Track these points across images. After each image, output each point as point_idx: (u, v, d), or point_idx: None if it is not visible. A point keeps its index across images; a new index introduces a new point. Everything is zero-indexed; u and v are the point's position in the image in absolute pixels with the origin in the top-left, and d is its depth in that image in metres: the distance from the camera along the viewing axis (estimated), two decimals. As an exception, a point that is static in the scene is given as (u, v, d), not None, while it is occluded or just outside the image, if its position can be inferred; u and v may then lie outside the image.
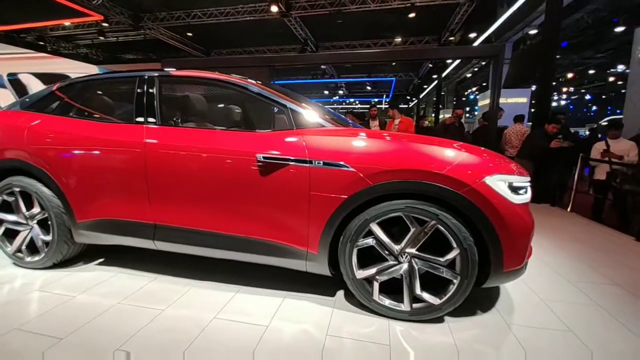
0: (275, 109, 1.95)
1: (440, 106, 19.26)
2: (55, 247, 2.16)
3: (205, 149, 1.85)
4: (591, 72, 19.91)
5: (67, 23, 10.59)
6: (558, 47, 4.60)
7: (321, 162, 1.67)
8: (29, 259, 2.23)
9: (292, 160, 1.70)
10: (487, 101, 13.01)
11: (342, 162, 1.64)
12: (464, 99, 27.95)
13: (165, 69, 2.16)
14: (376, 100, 23.22)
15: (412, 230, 1.64)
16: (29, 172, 2.15)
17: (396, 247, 1.67)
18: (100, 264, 2.36)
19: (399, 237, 1.69)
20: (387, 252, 1.70)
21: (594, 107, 31.88)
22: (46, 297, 1.89)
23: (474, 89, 24.80)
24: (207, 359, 1.41)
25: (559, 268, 2.43)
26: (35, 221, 2.21)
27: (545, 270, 2.38)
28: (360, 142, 1.73)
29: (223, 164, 1.81)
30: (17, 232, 2.25)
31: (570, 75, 19.96)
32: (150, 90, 2.06)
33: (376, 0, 9.19)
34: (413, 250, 1.66)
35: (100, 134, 2.02)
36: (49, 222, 2.14)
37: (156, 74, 2.09)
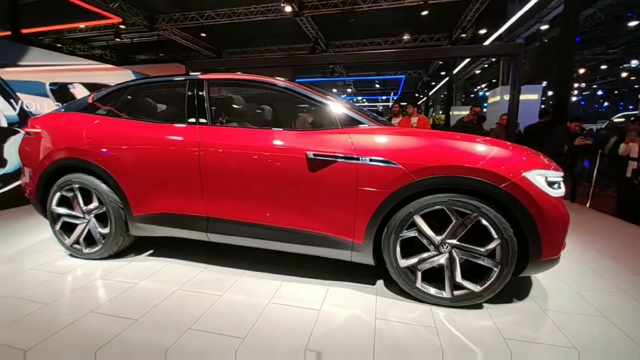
0: (316, 108, 2.09)
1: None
2: (112, 239, 2.33)
3: (256, 147, 1.99)
4: (603, 67, 19.69)
5: (83, 26, 10.86)
6: (575, 44, 4.63)
7: (368, 158, 1.80)
8: (87, 250, 2.40)
9: (341, 158, 1.83)
10: (497, 98, 13.03)
11: (388, 159, 1.77)
12: (472, 95, 27.80)
13: (210, 73, 2.30)
14: (395, 98, 23.19)
15: (454, 222, 1.76)
16: (88, 170, 2.31)
17: (437, 238, 1.80)
18: (150, 255, 2.53)
19: (438, 228, 1.81)
20: (428, 243, 1.82)
21: (606, 103, 31.42)
22: (110, 284, 2.06)
23: (483, 85, 24.65)
24: (271, 335, 1.56)
25: (585, 260, 2.53)
26: (92, 215, 2.38)
27: (572, 262, 2.48)
28: (405, 140, 1.85)
29: (273, 160, 1.95)
30: (74, 226, 2.43)
31: (582, 71, 19.73)
32: (200, 93, 2.21)
33: (388, -1, 9.25)
34: (454, 241, 1.78)
35: (156, 134, 2.18)
36: (107, 216, 2.31)
37: (206, 77, 2.24)
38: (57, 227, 2.45)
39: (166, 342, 1.50)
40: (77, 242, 2.43)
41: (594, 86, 26.98)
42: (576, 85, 24.78)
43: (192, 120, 2.17)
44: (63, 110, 2.61)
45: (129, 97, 2.43)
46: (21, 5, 7.70)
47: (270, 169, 1.96)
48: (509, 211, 1.68)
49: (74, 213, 2.41)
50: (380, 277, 2.15)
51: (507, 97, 12.84)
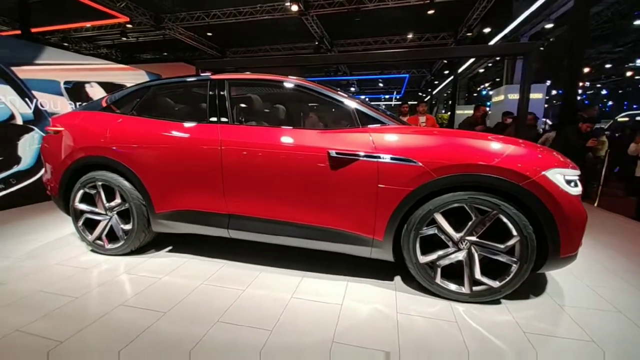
0: (336, 108, 2.13)
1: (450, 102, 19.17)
2: (135, 235, 2.38)
3: (278, 145, 2.03)
4: (608, 66, 19.59)
5: (89, 25, 10.93)
6: (587, 44, 4.64)
7: (389, 157, 1.84)
8: (109, 246, 2.46)
9: (363, 156, 1.87)
10: (502, 97, 13.01)
11: (409, 157, 1.81)
12: (475, 94, 27.75)
13: (231, 73, 2.35)
14: (398, 97, 23.19)
15: (473, 219, 1.80)
16: (111, 168, 2.37)
17: (457, 235, 1.84)
18: (169, 251, 2.58)
19: (457, 225, 1.85)
20: (447, 239, 1.86)
21: (610, 102, 31.24)
22: (135, 279, 2.12)
23: (486, 84, 24.59)
24: (297, 328, 1.60)
25: (598, 258, 2.56)
26: (115, 212, 2.43)
27: (585, 260, 2.51)
28: (425, 139, 1.90)
29: (295, 158, 1.99)
30: (96, 222, 2.48)
31: (586, 69, 19.64)
32: (222, 92, 2.26)
33: (394, -2, 9.25)
34: (473, 238, 1.82)
35: (179, 133, 2.23)
36: (130, 213, 2.36)
37: (227, 77, 2.28)
38: (80, 223, 2.51)
39: (197, 334, 1.55)
40: (99, 238, 2.48)
41: (598, 85, 26.84)
42: (580, 84, 24.64)
43: (214, 119, 2.22)
44: (84, 109, 2.66)
45: (151, 96, 2.47)
46: (30, 4, 7.78)
47: (292, 166, 2.00)
48: (528, 209, 1.72)
49: (96, 210, 2.47)
50: (398, 273, 2.20)
51: (511, 96, 12.84)
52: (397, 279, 2.15)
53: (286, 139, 2.04)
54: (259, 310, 1.76)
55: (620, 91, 28.11)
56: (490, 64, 17.87)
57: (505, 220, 1.73)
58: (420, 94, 26.28)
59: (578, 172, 1.83)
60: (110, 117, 2.44)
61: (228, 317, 1.69)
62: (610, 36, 13.99)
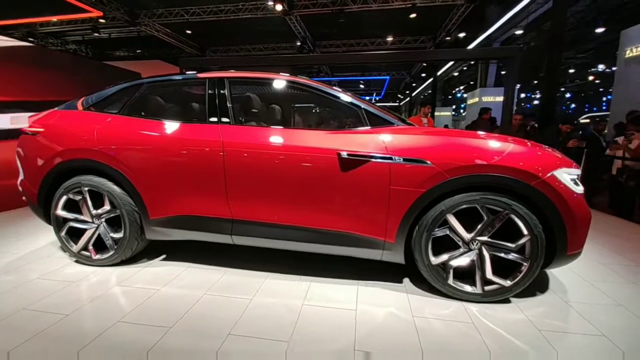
0: (342, 109, 2.09)
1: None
2: (127, 244, 2.21)
3: (284, 147, 1.96)
4: (571, 71, 20.90)
5: (55, 19, 10.24)
6: (564, 47, 4.89)
7: (401, 158, 1.82)
8: (97, 256, 2.27)
9: (374, 157, 1.84)
10: (476, 99, 13.50)
11: (422, 158, 1.79)
12: (450, 97, 28.73)
13: (230, 72, 2.25)
14: (377, 98, 23.48)
15: (485, 219, 1.81)
16: (99, 171, 2.19)
17: (468, 236, 1.84)
18: (164, 259, 2.43)
19: (467, 226, 1.86)
20: (459, 240, 1.86)
21: (573, 105, 33.33)
22: (131, 292, 1.96)
23: (461, 87, 25.53)
24: (315, 337, 1.54)
25: (590, 254, 2.66)
26: (103, 219, 2.25)
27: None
28: (437, 140, 1.89)
29: (304, 160, 1.92)
30: (81, 231, 2.29)
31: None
32: (222, 91, 2.15)
33: (378, 0, 9.36)
34: (484, 238, 1.83)
35: (175, 133, 2.09)
36: (121, 220, 2.19)
37: (227, 76, 2.18)
38: (63, 232, 2.30)
39: (210, 349, 1.45)
40: (85, 248, 2.29)
41: (562, 89, 28.57)
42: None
43: (214, 119, 2.11)
44: (66, 108, 2.44)
45: (143, 95, 2.31)
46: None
47: (301, 168, 1.93)
48: (537, 208, 1.75)
49: (82, 217, 2.28)
50: (405, 275, 2.18)
51: (485, 98, 13.31)
52: (406, 281, 2.13)
53: (293, 140, 1.97)
54: (272, 320, 1.68)
55: (582, 94, 30.06)
56: (465, 68, 18.56)
57: (516, 219, 1.75)
58: (399, 95, 26.86)
59: (579, 171, 1.89)
60: (98, 117, 2.26)
61: (240, 329, 1.60)
62: (574, 43, 14.91)
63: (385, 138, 1.88)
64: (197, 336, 1.55)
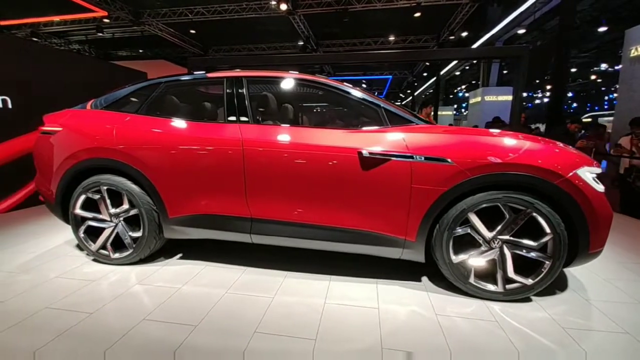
0: (362, 107, 2.09)
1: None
2: (145, 242, 2.22)
3: (304, 146, 1.96)
4: (573, 70, 20.88)
5: (59, 19, 10.25)
6: (572, 47, 4.88)
7: (422, 157, 1.82)
8: (116, 255, 2.28)
9: (396, 156, 1.84)
10: (478, 99, 13.46)
11: (443, 157, 1.80)
12: (451, 96, 28.69)
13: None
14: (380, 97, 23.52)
15: (507, 218, 1.81)
16: (118, 171, 2.19)
17: (489, 234, 1.84)
18: (181, 258, 2.44)
19: (488, 224, 1.86)
20: (480, 238, 1.87)
21: (574, 104, 33.31)
22: (152, 290, 1.97)
23: (462, 87, 25.49)
24: (341, 335, 1.54)
25: (605, 252, 2.65)
26: (121, 218, 2.26)
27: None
28: (458, 138, 1.89)
29: (324, 159, 1.92)
30: (100, 230, 2.29)
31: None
32: (240, 90, 2.15)
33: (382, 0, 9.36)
34: (506, 236, 1.83)
35: (195, 133, 2.10)
36: (140, 219, 2.20)
37: (245, 75, 2.18)
38: (81, 231, 2.31)
39: (238, 347, 1.45)
40: (103, 247, 2.29)
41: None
42: (549, 87, 26.12)
43: (233, 118, 2.11)
44: (83, 107, 2.45)
45: (160, 94, 2.31)
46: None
47: (320, 167, 1.93)
48: (559, 206, 1.75)
49: (100, 216, 2.28)
50: (424, 274, 2.18)
51: (487, 97, 13.26)
52: (425, 279, 2.14)
53: (313, 139, 1.97)
54: (296, 318, 1.68)
55: (583, 94, 30.03)
56: (467, 67, 18.55)
57: (539, 218, 1.75)
58: (401, 95, 26.84)
59: (599, 169, 1.89)
60: (116, 116, 2.26)
61: (265, 327, 1.60)
62: (577, 42, 14.89)
63: (406, 137, 1.88)
64: (223, 335, 1.55)
